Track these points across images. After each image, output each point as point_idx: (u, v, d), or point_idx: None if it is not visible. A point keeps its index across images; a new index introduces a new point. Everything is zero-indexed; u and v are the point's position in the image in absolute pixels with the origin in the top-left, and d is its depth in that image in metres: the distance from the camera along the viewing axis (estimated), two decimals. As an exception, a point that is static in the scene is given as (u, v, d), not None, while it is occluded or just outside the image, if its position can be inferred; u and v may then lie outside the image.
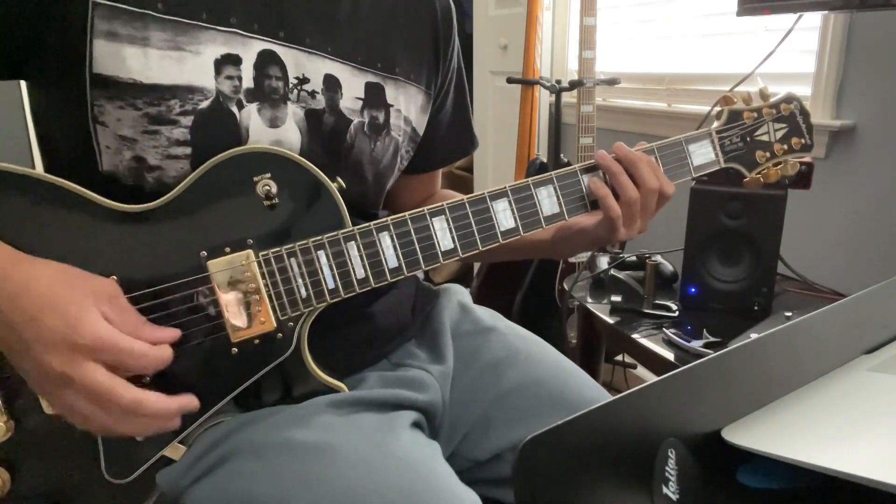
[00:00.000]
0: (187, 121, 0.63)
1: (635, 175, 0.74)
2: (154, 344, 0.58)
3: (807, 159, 1.13)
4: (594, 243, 0.81)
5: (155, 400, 0.57)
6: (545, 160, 2.13)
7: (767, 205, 1.14)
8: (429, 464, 0.65)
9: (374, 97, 0.75)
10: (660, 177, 0.76)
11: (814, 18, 1.48)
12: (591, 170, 0.76)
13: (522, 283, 2.07)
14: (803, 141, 0.84)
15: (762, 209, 1.14)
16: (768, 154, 0.83)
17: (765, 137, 0.83)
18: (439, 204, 0.70)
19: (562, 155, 2.11)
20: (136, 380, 0.58)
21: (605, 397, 0.80)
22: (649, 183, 0.74)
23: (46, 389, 0.56)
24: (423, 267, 0.69)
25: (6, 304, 0.53)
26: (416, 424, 0.72)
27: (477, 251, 0.71)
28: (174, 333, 0.61)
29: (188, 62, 0.62)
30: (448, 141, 0.91)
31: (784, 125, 0.84)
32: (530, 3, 2.27)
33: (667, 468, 0.44)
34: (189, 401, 0.60)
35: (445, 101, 0.88)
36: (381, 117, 0.76)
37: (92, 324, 0.53)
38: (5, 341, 0.55)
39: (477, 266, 2.53)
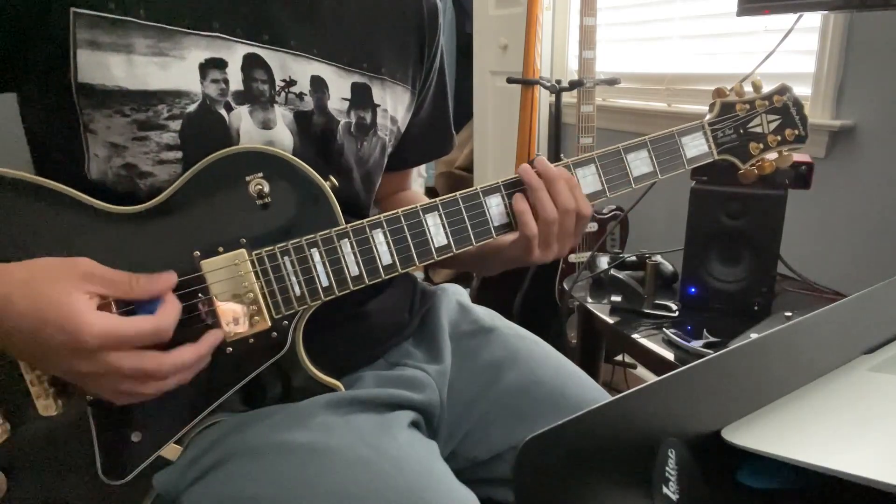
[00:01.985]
0: (176, 125, 0.63)
1: (552, 193, 0.71)
2: (155, 296, 0.58)
3: (807, 159, 1.13)
4: (511, 263, 0.78)
5: (185, 353, 0.58)
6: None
7: (767, 205, 1.14)
8: (426, 463, 0.65)
9: (360, 97, 0.75)
10: (577, 196, 0.72)
11: (814, 18, 1.48)
12: (514, 185, 0.73)
13: (522, 283, 2.07)
14: (797, 132, 0.84)
15: (762, 209, 1.14)
16: (762, 145, 0.83)
17: (758, 129, 0.83)
18: (433, 200, 0.69)
19: (562, 155, 2.11)
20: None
21: (605, 398, 0.80)
22: (566, 202, 0.71)
23: (84, 385, 0.58)
24: (418, 264, 0.69)
25: (3, 326, 0.53)
26: (413, 424, 0.72)
27: (472, 246, 0.71)
28: (171, 277, 0.60)
29: (173, 67, 0.62)
30: (424, 140, 0.91)
31: (777, 116, 0.83)
32: (530, 3, 2.27)
33: (667, 468, 0.43)
34: (212, 337, 0.61)
35: (425, 100, 0.88)
36: (368, 118, 0.76)
37: (87, 323, 0.52)
38: (20, 353, 0.56)
39: (477, 266, 2.53)
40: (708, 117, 0.81)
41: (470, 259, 0.81)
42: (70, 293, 0.53)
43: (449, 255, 0.70)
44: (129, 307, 0.59)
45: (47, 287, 0.53)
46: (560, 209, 0.71)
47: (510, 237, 0.73)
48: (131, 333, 0.55)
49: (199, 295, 0.62)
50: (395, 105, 0.79)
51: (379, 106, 0.77)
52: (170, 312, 0.58)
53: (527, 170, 0.72)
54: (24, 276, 0.54)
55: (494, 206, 0.72)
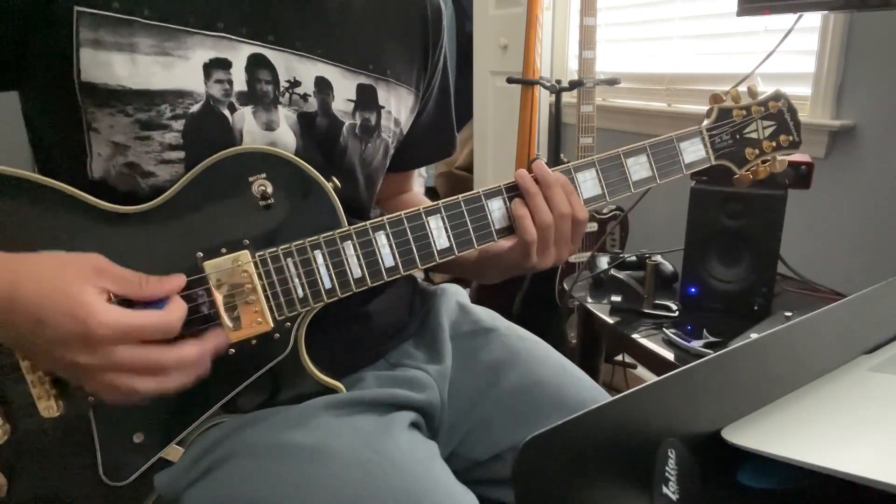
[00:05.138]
0: (179, 125, 0.63)
1: (548, 198, 0.71)
2: (164, 297, 0.58)
3: (807, 159, 1.13)
4: (509, 270, 0.78)
5: (191, 347, 0.58)
6: (545, 160, 2.12)
7: (767, 205, 1.14)
8: (426, 464, 0.65)
9: (366, 99, 0.75)
10: (573, 202, 0.72)
11: (814, 18, 1.48)
12: (511, 190, 0.73)
13: (522, 283, 2.07)
14: (791, 138, 0.85)
15: (762, 209, 1.14)
16: (757, 151, 0.84)
17: (754, 135, 0.84)
18: (435, 203, 0.69)
19: (562, 155, 2.11)
20: None
21: (605, 398, 0.80)
22: (561, 207, 0.71)
23: (87, 381, 0.55)
24: (420, 266, 0.69)
25: (3, 314, 0.52)
26: (413, 425, 0.72)
27: (474, 248, 0.71)
28: (179, 280, 0.60)
29: (177, 67, 0.62)
30: (428, 142, 0.91)
31: (772, 122, 0.84)
32: (530, 3, 2.27)
33: (667, 468, 0.43)
34: (216, 338, 0.61)
35: (429, 101, 0.88)
36: (373, 119, 0.76)
37: (102, 314, 0.52)
38: (21, 345, 0.55)
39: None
40: (705, 123, 0.82)
41: (469, 265, 0.81)
42: (82, 285, 0.53)
43: (451, 257, 0.70)
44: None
45: (58, 277, 0.53)
46: (556, 214, 0.71)
47: (508, 243, 0.73)
48: (139, 324, 0.54)
49: (202, 296, 0.62)
50: (398, 107, 0.79)
51: (383, 108, 0.77)
52: (177, 309, 0.58)
53: (523, 175, 0.72)
54: (34, 265, 0.54)
55: (496, 210, 0.72)
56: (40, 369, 0.59)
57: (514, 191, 0.72)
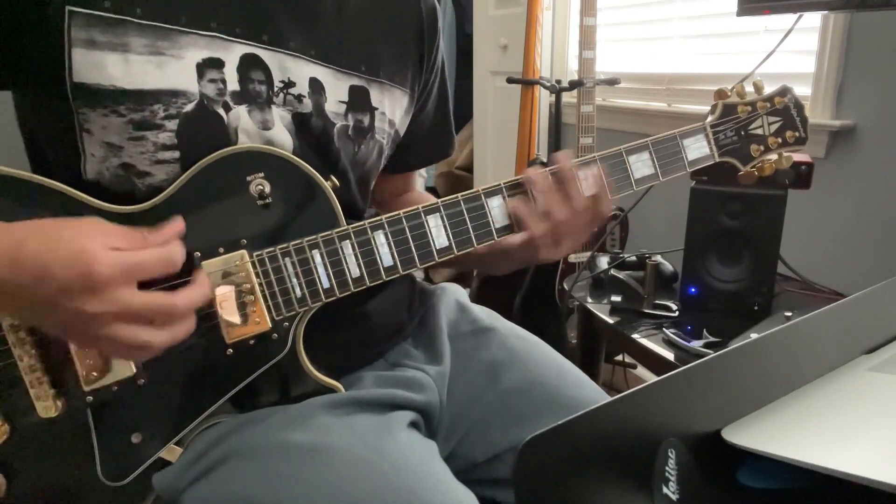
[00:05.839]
0: (173, 125, 0.63)
1: (563, 193, 0.71)
2: (165, 243, 0.58)
3: (807, 159, 1.13)
4: (519, 264, 0.78)
5: (189, 293, 0.57)
6: (545, 160, 2.13)
7: (767, 205, 1.14)
8: (425, 464, 0.65)
9: (358, 100, 0.75)
10: (592, 194, 0.72)
11: (814, 18, 1.48)
12: (516, 187, 0.73)
13: (522, 283, 2.07)
14: (797, 134, 0.84)
15: (762, 209, 1.14)
16: (762, 147, 0.83)
17: (759, 131, 0.83)
18: (434, 202, 0.69)
19: (562, 156, 2.11)
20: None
21: (605, 398, 0.80)
22: (578, 202, 0.71)
23: (91, 336, 0.54)
24: (419, 265, 0.69)
25: (8, 272, 0.51)
26: (413, 424, 0.72)
27: (473, 248, 0.71)
28: (176, 226, 0.60)
29: (170, 67, 0.62)
30: (427, 142, 0.91)
31: (778, 118, 0.83)
32: (530, 3, 2.27)
33: (667, 468, 0.43)
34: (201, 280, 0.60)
35: (427, 102, 0.88)
36: (366, 121, 0.76)
37: (104, 255, 0.52)
38: (25, 309, 0.54)
39: (477, 267, 2.53)
40: (709, 119, 0.81)
41: (476, 259, 0.81)
42: (85, 237, 0.53)
43: (450, 256, 0.70)
44: None
45: (63, 231, 0.53)
46: (572, 208, 0.71)
47: (517, 238, 0.73)
48: (140, 259, 0.54)
49: None
50: (392, 108, 0.79)
51: (377, 109, 0.77)
52: (176, 245, 0.58)
53: (529, 173, 0.72)
54: (38, 225, 0.54)
55: (496, 208, 0.71)
56: (45, 329, 0.58)
57: (514, 189, 0.72)
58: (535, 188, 0.71)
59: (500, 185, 0.72)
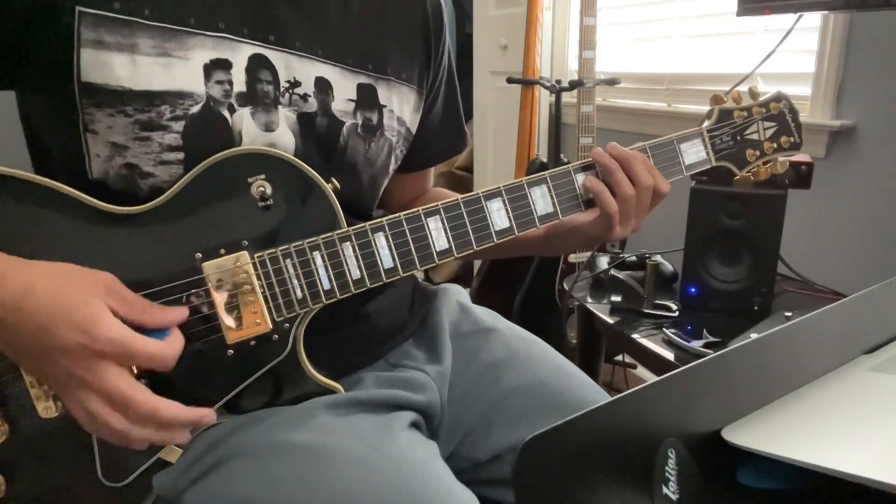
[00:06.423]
0: (178, 126, 0.63)
1: (630, 172, 0.75)
2: (165, 326, 0.58)
3: (807, 159, 1.13)
4: (588, 241, 0.81)
5: (173, 408, 0.57)
6: (545, 160, 2.13)
7: (767, 205, 1.14)
8: (426, 464, 0.65)
9: (366, 98, 0.75)
10: (655, 175, 0.76)
11: (814, 18, 1.48)
12: (585, 169, 0.76)
13: (522, 283, 2.07)
14: (792, 139, 0.85)
15: (762, 209, 1.14)
16: (758, 152, 0.84)
17: (755, 136, 0.84)
18: (434, 204, 0.69)
19: (562, 155, 2.11)
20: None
21: (605, 398, 0.80)
22: (644, 180, 0.75)
23: (66, 391, 0.55)
24: (419, 267, 0.69)
25: (11, 315, 0.52)
26: (413, 425, 0.72)
27: (472, 250, 0.71)
28: (182, 312, 0.60)
29: (177, 68, 0.62)
30: (439, 139, 0.91)
31: (773, 123, 0.84)
32: (530, 3, 2.27)
33: (667, 468, 0.43)
34: (204, 414, 0.60)
35: (437, 99, 0.88)
36: (375, 118, 0.76)
37: (106, 326, 0.53)
38: (15, 348, 0.55)
39: (477, 266, 2.53)
40: (706, 124, 0.82)
41: (534, 243, 0.83)
42: (93, 297, 0.54)
43: (449, 258, 0.70)
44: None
45: (73, 286, 0.54)
46: (639, 187, 0.75)
47: (590, 216, 0.77)
48: (140, 347, 0.55)
49: (201, 297, 0.62)
50: (401, 105, 0.79)
51: (385, 107, 0.77)
52: (176, 344, 0.58)
53: (600, 152, 0.76)
54: (50, 272, 0.55)
55: (495, 211, 0.72)
56: (35, 374, 0.59)
57: (512, 192, 0.72)
58: (603, 164, 0.75)
59: (499, 188, 0.72)
